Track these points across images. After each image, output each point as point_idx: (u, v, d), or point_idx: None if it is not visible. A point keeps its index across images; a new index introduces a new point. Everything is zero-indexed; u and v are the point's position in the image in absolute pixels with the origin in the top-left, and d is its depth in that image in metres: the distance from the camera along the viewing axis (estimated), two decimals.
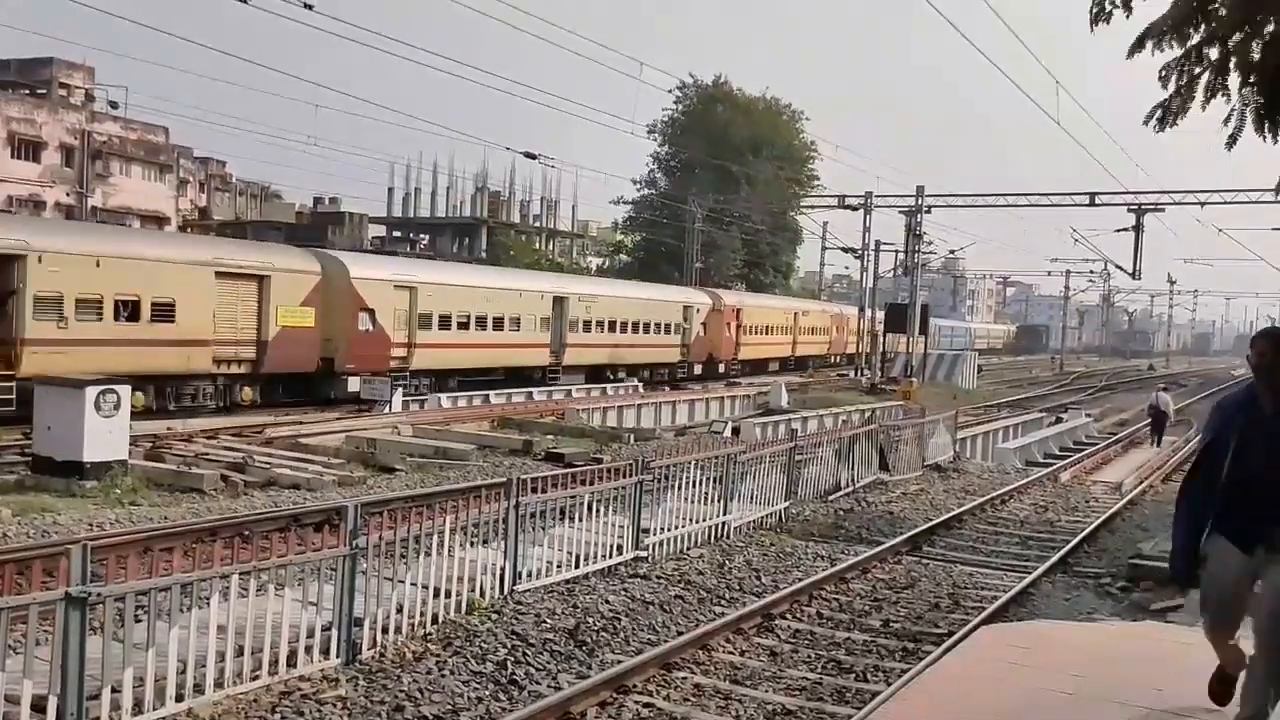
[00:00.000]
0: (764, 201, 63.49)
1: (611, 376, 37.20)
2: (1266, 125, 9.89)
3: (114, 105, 54.46)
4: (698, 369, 43.28)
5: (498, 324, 31.74)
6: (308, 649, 7.19)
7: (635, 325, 38.74)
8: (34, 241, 20.58)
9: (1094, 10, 9.92)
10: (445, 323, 29.56)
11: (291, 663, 7.07)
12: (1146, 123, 10.42)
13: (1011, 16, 22.29)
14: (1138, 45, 9.99)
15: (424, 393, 28.33)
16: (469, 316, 30.54)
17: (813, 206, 62.45)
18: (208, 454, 17.02)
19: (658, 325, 40.36)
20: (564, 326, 34.91)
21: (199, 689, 6.44)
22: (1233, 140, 10.09)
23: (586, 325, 36.08)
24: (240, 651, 6.79)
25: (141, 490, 14.01)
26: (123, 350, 20.87)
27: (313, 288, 25.78)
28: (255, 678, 6.82)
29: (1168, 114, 10.14)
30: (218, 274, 23.72)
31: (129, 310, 21.74)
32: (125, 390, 14.87)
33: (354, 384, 26.12)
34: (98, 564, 6.72)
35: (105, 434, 14.25)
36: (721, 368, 45.42)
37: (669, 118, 68.37)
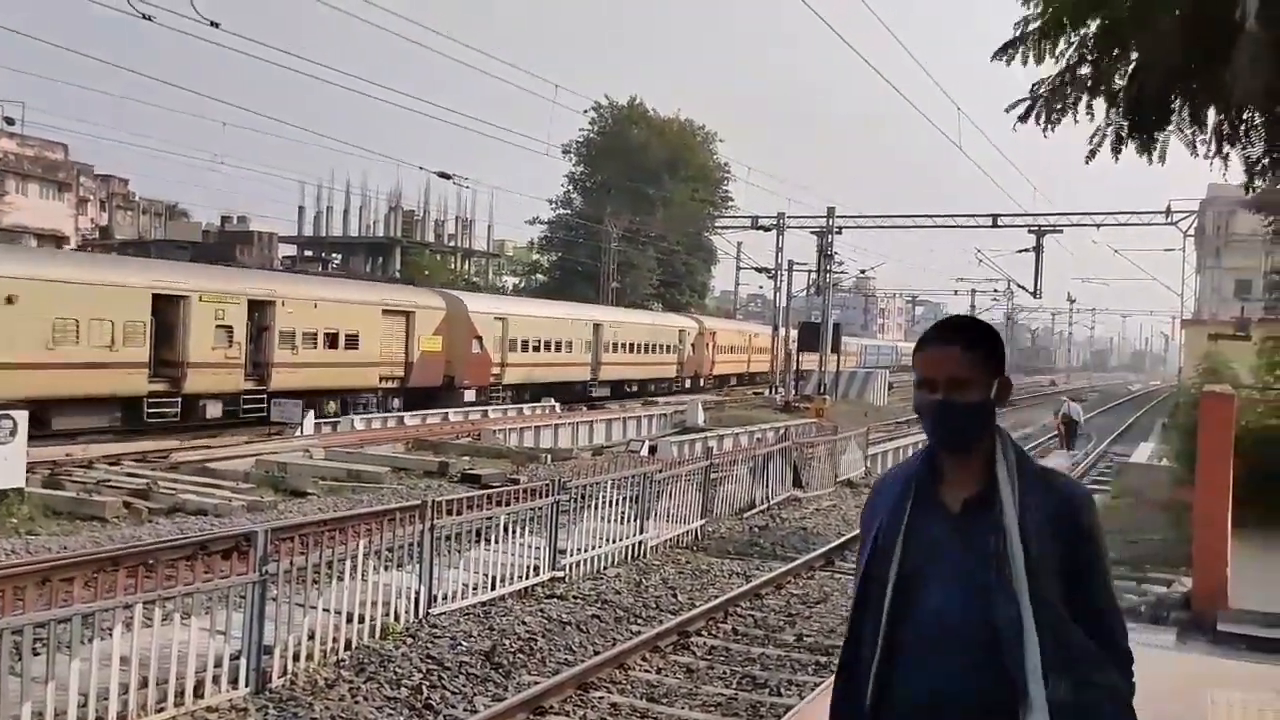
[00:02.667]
0: (679, 222, 64.11)
1: (627, 390, 44.02)
2: (1127, 143, 10.40)
3: (9, 121, 52.41)
4: (688, 383, 50.11)
5: (558, 346, 39.12)
6: (215, 679, 7.05)
7: (647, 346, 46.24)
8: (279, 290, 27.79)
9: (1000, 52, 10.35)
10: (525, 346, 36.98)
11: (199, 693, 6.93)
12: (1009, 111, 10.77)
13: (914, 42, 23.00)
14: (1005, 50, 10.41)
15: (507, 403, 34.46)
16: (540, 341, 37.93)
17: (727, 227, 63.28)
18: (109, 480, 16.50)
19: (662, 346, 47.63)
20: (600, 348, 42.00)
21: None
22: (1091, 155, 10.63)
23: (614, 347, 43.10)
24: (145, 683, 6.63)
25: (39, 519, 13.53)
26: (329, 370, 28.17)
27: (441, 320, 32.82)
28: (160, 709, 6.66)
29: (1038, 113, 10.54)
30: (383, 311, 30.60)
31: (331, 340, 28.45)
32: (22, 416, 14.39)
33: (469, 395, 33.42)
34: None
35: (0, 460, 13.74)
36: (701, 382, 51.56)
37: (584, 138, 68.73)
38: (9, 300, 20.84)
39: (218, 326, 25.42)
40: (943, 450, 2.32)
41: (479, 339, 34.35)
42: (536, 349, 37.77)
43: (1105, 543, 2.29)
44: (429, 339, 32.24)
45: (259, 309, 26.71)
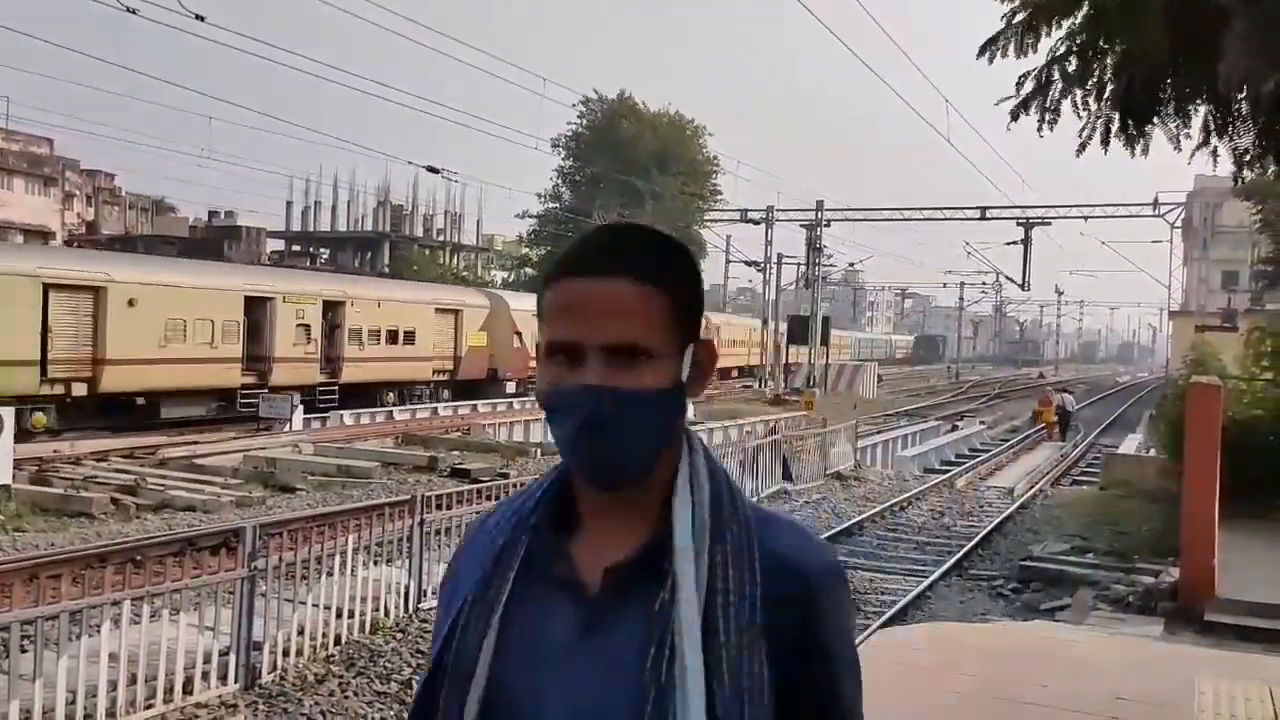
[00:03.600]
0: (669, 215, 64.06)
1: None
2: (1115, 138, 10.43)
3: None
4: None
5: None
6: (204, 675, 7.02)
7: None
8: (348, 291, 30.52)
9: (986, 46, 10.37)
10: None
11: (188, 690, 6.90)
12: (998, 105, 10.81)
13: (903, 35, 23.02)
14: (988, 46, 10.43)
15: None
16: None
17: (716, 221, 63.32)
18: (97, 477, 16.43)
19: None
20: None
21: None
22: (1081, 148, 10.65)
23: None
24: (133, 680, 6.60)
25: (26, 516, 13.46)
26: (390, 364, 30.86)
27: (485, 317, 35.50)
28: (149, 706, 6.63)
29: (1028, 110, 10.57)
30: (436, 310, 33.25)
31: (392, 337, 30.98)
32: (9, 412, 14.31)
33: (510, 387, 35.76)
34: None
35: None
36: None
37: (573, 132, 68.58)
38: (130, 303, 23.30)
39: (297, 325, 28.13)
40: (587, 483, 1.27)
41: (519, 334, 36.47)
42: None
43: (853, 641, 1.37)
44: (475, 335, 34.97)
45: (331, 309, 29.44)
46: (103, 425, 22.83)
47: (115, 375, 22.99)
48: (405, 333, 31.59)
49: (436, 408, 30.66)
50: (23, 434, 19.96)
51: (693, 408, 24.48)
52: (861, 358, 73.85)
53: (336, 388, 29.09)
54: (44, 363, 21.86)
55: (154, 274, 25.29)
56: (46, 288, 22.05)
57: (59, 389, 22.21)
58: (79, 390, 22.66)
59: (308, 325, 28.41)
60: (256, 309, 26.89)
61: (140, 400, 23.49)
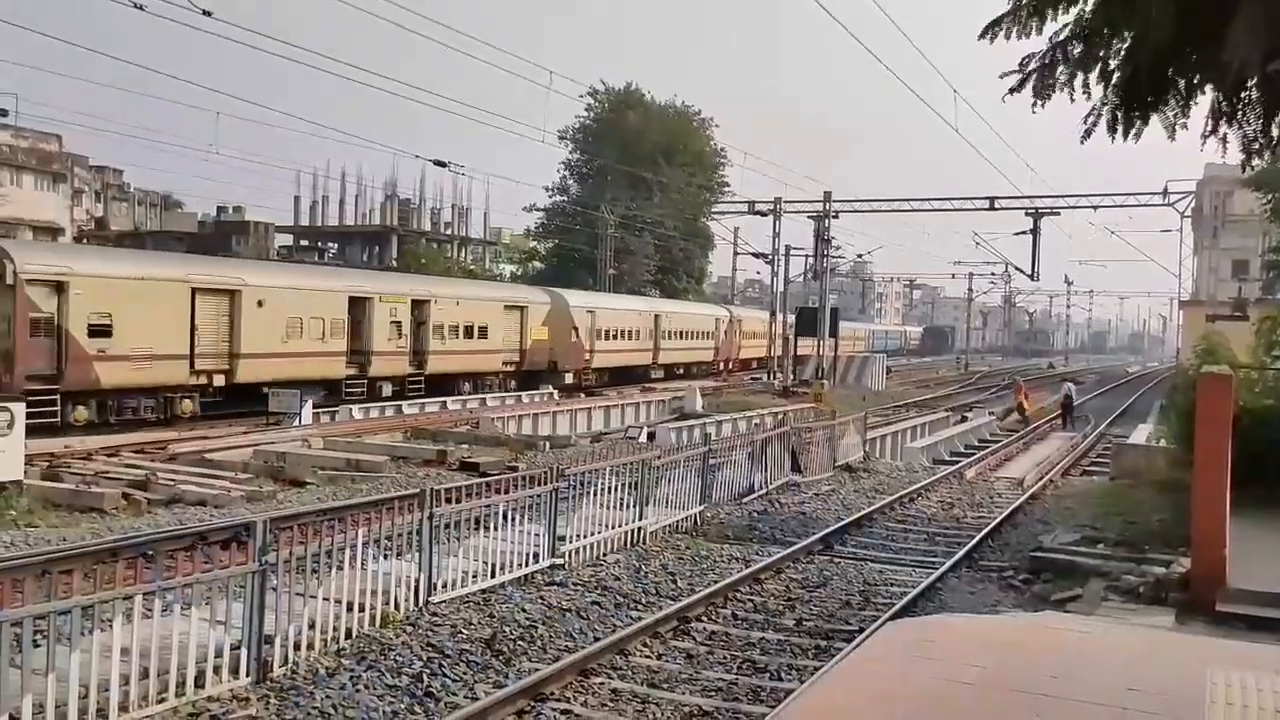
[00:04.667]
0: (676, 207, 63.93)
1: (677, 372, 49.30)
2: (1121, 126, 10.37)
3: (3, 113, 52.35)
4: (721, 366, 54.79)
5: (632, 335, 45.49)
6: (216, 669, 7.05)
7: (693, 334, 51.97)
8: (433, 290, 33.68)
9: (989, 28, 10.33)
10: (609, 335, 43.25)
11: (200, 683, 6.93)
12: (1003, 78, 10.76)
13: (911, 27, 22.92)
14: (991, 28, 10.39)
15: (598, 386, 40.57)
16: (617, 330, 44.15)
17: (724, 213, 63.16)
18: (108, 472, 16.49)
19: (702, 334, 53.03)
20: (659, 336, 48.02)
21: (102, 714, 6.27)
22: (1086, 134, 10.60)
23: (669, 334, 48.96)
24: (145, 674, 6.63)
25: (38, 511, 13.52)
26: (466, 356, 34.17)
27: (547, 313, 38.80)
28: (161, 700, 6.66)
29: (1027, 85, 10.52)
30: (504, 307, 36.74)
31: (468, 331, 34.16)
32: (19, 407, 14.36)
33: (568, 378, 39.46)
34: None
35: None
36: (731, 365, 55.64)
37: (580, 124, 68.44)
38: (259, 304, 26.46)
39: (391, 322, 31.12)
40: None
41: (575, 329, 40.40)
42: (616, 337, 44.07)
43: None
44: (538, 329, 38.14)
45: (418, 306, 32.31)
46: (236, 411, 25.72)
47: (247, 367, 26.10)
48: (479, 328, 34.82)
49: (445, 401, 30.86)
50: (173, 419, 24.09)
51: (701, 399, 24.44)
52: (876, 349, 75.99)
53: (423, 378, 32.20)
54: (192, 356, 24.93)
55: (277, 278, 29.11)
56: (194, 291, 25.15)
57: (203, 379, 25.35)
58: (219, 380, 25.77)
59: (399, 322, 31.44)
60: (357, 308, 30.00)
61: (265, 389, 25.59)
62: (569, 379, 39.47)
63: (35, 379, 21.50)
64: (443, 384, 32.90)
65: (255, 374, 26.17)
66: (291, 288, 28.34)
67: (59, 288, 22.35)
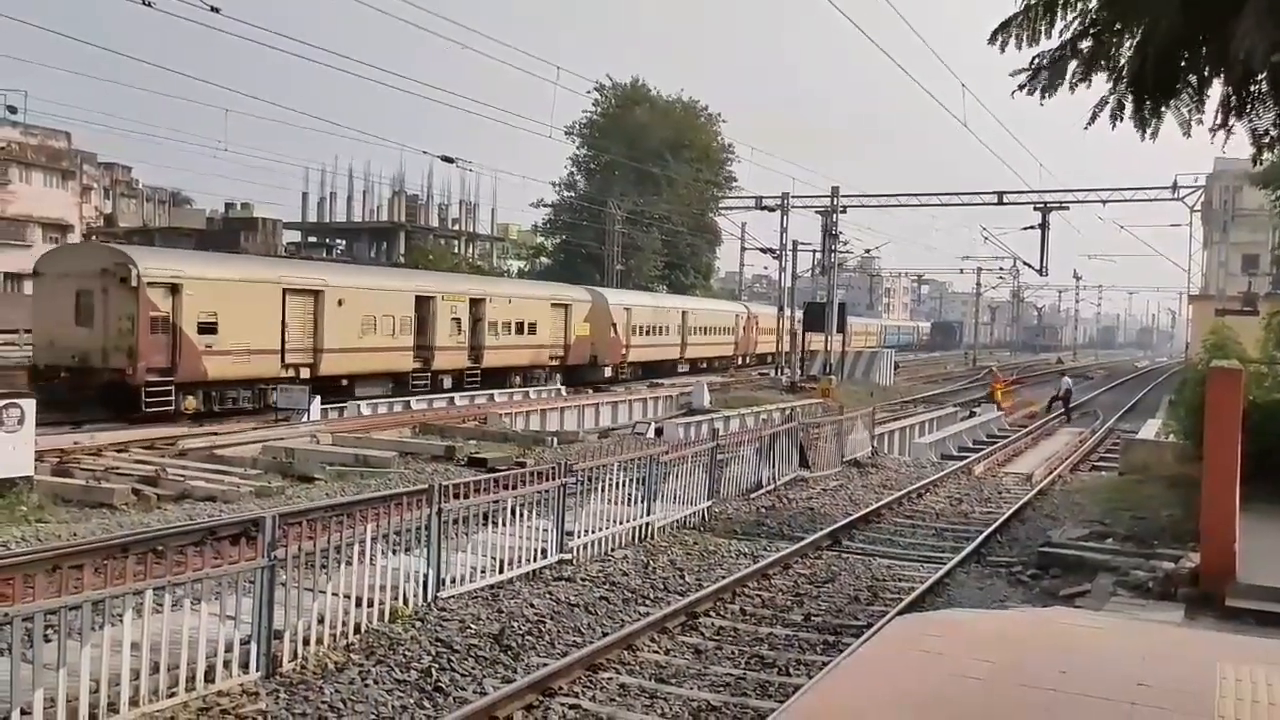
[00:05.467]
0: (683, 203, 63.88)
1: (701, 366, 51.57)
2: (1135, 122, 10.35)
3: (12, 110, 52.58)
4: (739, 360, 56.69)
5: (660, 331, 47.71)
6: (226, 663, 7.08)
7: (716, 329, 54.68)
8: (489, 290, 36.70)
9: (997, 32, 10.32)
10: (644, 331, 45.90)
11: (209, 678, 6.96)
12: (1014, 76, 10.75)
13: (920, 21, 22.85)
14: (1000, 31, 10.37)
15: (634, 381, 42.32)
16: (651, 326, 46.72)
17: (731, 208, 63.15)
18: (118, 468, 16.54)
19: (723, 329, 55.65)
20: (686, 332, 50.40)
21: (113, 708, 6.30)
22: (1092, 119, 10.60)
23: (695, 330, 51.33)
24: (156, 669, 6.66)
25: (48, 507, 13.57)
26: (518, 351, 36.68)
27: (589, 311, 41.21)
28: (172, 694, 6.69)
29: (1037, 84, 10.50)
30: (551, 305, 38.97)
31: (519, 328, 36.63)
32: (29, 404, 14.41)
33: (607, 371, 42.52)
34: (3, 584, 6.53)
35: (8, 450, 13.78)
36: (748, 359, 57.76)
37: (587, 120, 68.43)
38: (339, 303, 28.62)
39: (451, 319, 33.37)
40: None
41: (614, 325, 43.00)
42: (649, 333, 46.63)
43: None
44: (580, 326, 40.54)
45: (475, 304, 34.62)
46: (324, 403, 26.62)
47: (329, 361, 28.29)
48: (529, 324, 37.26)
49: (454, 397, 31.16)
50: (266, 409, 25.61)
51: (709, 395, 24.42)
52: (889, 344, 78.03)
53: (479, 371, 34.39)
54: (283, 351, 27.07)
55: (354, 279, 31.58)
56: (285, 292, 27.32)
57: (292, 372, 27.24)
58: (305, 374, 27.58)
59: (459, 319, 33.75)
60: (422, 306, 32.19)
61: (344, 381, 28.44)
62: (608, 372, 42.14)
63: (154, 371, 23.88)
64: (495, 377, 35.01)
65: (336, 367, 28.52)
66: (367, 288, 30.70)
67: (173, 289, 24.47)
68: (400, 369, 31.05)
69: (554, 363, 38.98)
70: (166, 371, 24.10)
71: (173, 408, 23.77)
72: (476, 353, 34.47)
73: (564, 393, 34.75)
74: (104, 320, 23.95)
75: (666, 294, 58.78)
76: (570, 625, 9.11)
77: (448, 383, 32.75)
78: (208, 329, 25.01)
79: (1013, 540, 14.05)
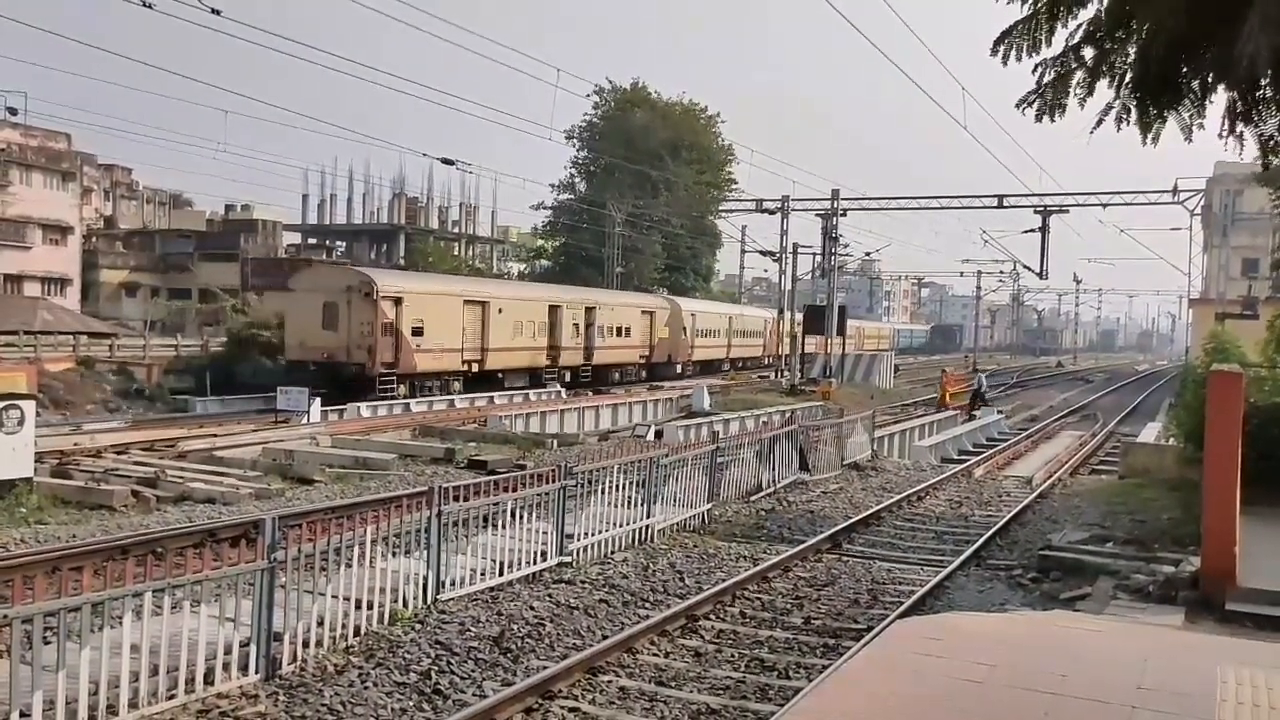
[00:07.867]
0: (683, 205, 63.85)
1: (739, 366, 56.44)
2: (1138, 127, 10.35)
3: (12, 111, 52.61)
4: (767, 360, 59.55)
5: (714, 334, 53.75)
6: (225, 666, 7.07)
7: (751, 333, 59.59)
8: (599, 299, 43.12)
9: (999, 41, 10.33)
10: (703, 334, 51.87)
11: (209, 680, 6.95)
12: (1019, 108, 10.77)
13: (920, 25, 22.82)
14: (1001, 41, 10.37)
15: (688, 378, 46.64)
16: (708, 329, 52.80)
17: (731, 210, 63.13)
18: (117, 469, 16.54)
19: (753, 332, 60.17)
20: (732, 335, 56.13)
21: (112, 710, 6.29)
22: (1098, 123, 10.60)
23: (737, 333, 56.94)
24: (155, 671, 6.65)
25: (48, 508, 13.57)
26: (617, 351, 43.35)
27: (669, 316, 47.88)
28: (171, 697, 6.68)
29: (1044, 104, 10.51)
30: (640, 311, 45.74)
31: (618, 331, 43.36)
32: (29, 406, 14.40)
33: (678, 369, 48.57)
34: (3, 585, 6.53)
35: (8, 451, 13.78)
36: (770, 359, 60.00)
37: (587, 122, 68.39)
38: (500, 311, 35.60)
39: (572, 324, 40.12)
40: None
41: (685, 329, 49.12)
42: (707, 335, 52.54)
43: None
44: (661, 329, 46.96)
45: (589, 312, 41.39)
46: (486, 389, 34.00)
47: (492, 358, 35.16)
48: (625, 328, 43.95)
49: (453, 400, 31.52)
50: (398, 395, 30.35)
51: (709, 398, 24.31)
52: (902, 347, 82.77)
53: (590, 369, 41.15)
54: (462, 350, 33.88)
55: (510, 291, 40.75)
56: (464, 302, 34.38)
57: (465, 366, 34.11)
58: (475, 368, 34.33)
59: (578, 324, 40.52)
60: (553, 314, 39.14)
61: (500, 374, 35.25)
62: (679, 369, 48.83)
63: (384, 365, 30.46)
64: (600, 373, 41.65)
65: (497, 362, 35.30)
66: (518, 299, 38.32)
67: (397, 301, 31.10)
68: (538, 365, 37.84)
69: (641, 361, 45.63)
70: (391, 365, 30.60)
71: (394, 394, 30.16)
72: (589, 353, 41.24)
73: (564, 395, 34.79)
74: (348, 325, 30.44)
75: (715, 300, 64.01)
76: (570, 628, 9.09)
77: (567, 378, 39.11)
78: (418, 332, 31.56)
79: (1013, 543, 14.03)
